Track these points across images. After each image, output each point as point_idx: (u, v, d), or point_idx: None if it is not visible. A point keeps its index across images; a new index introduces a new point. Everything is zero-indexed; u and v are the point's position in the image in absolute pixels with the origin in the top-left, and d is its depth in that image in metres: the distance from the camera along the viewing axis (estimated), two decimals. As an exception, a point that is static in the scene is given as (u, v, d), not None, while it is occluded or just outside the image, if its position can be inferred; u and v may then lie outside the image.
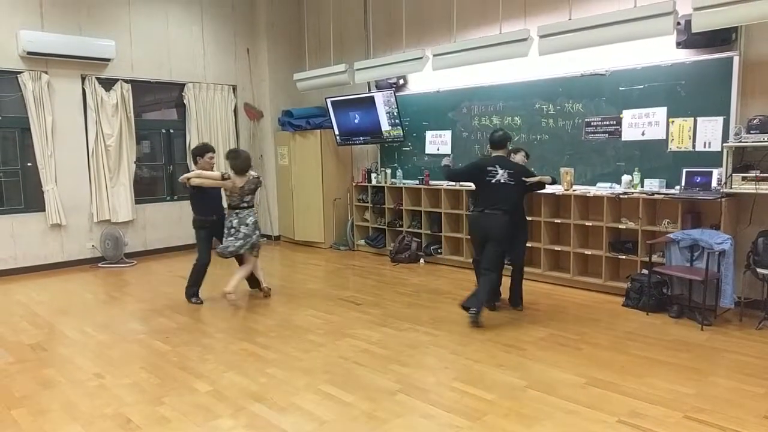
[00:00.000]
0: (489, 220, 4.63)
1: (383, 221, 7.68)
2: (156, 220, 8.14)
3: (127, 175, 7.73)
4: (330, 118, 8.03)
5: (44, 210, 7.10)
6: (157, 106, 8.57)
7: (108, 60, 7.39)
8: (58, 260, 7.24)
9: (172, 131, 8.45)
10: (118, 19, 7.61)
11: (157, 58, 7.98)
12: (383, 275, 6.57)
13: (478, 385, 3.45)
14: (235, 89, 8.85)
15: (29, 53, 6.77)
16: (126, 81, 7.68)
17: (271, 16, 8.88)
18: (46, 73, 7.01)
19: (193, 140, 8.31)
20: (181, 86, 8.29)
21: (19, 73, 6.85)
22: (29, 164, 7.11)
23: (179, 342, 4.41)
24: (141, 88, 7.96)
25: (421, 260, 7.06)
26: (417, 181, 7.27)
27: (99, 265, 7.41)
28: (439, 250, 7.03)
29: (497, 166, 4.67)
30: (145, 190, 8.18)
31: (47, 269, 7.12)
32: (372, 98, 7.47)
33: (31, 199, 7.12)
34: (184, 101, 8.31)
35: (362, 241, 8.02)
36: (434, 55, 6.23)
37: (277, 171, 9.05)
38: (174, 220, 8.29)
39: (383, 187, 7.54)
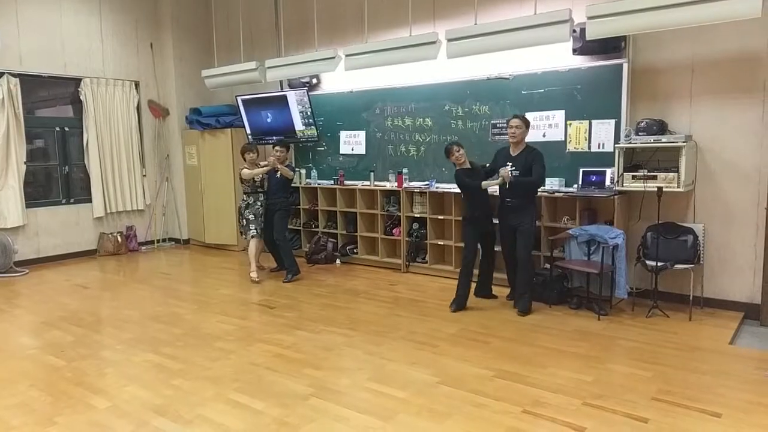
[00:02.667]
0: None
1: (298, 222, 7.58)
2: (50, 225, 7.53)
3: (16, 177, 7.09)
4: (241, 117, 7.80)
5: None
6: (51, 102, 7.93)
7: (-10, 51, 6.74)
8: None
9: (67, 129, 7.84)
10: (3, 7, 6.95)
11: (50, 50, 7.38)
12: (298, 276, 6.49)
13: (392, 384, 3.49)
14: (137, 85, 8.36)
15: None
16: (13, 75, 7.03)
17: (176, 9, 8.47)
18: None
19: (91, 138, 7.78)
20: (78, 81, 7.72)
21: None
22: None
23: (75, 356, 4.11)
24: (31, 82, 7.33)
25: (338, 261, 7.03)
26: (332, 181, 7.24)
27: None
28: (355, 250, 7.05)
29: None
30: (37, 193, 7.55)
31: None
32: (285, 97, 7.34)
33: None
34: (81, 97, 7.74)
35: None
36: (346, 56, 6.22)
37: (185, 171, 8.66)
38: (71, 225, 7.71)
39: (298, 187, 7.44)
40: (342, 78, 7.01)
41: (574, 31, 4.97)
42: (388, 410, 3.15)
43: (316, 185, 7.31)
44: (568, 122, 5.44)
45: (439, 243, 6.30)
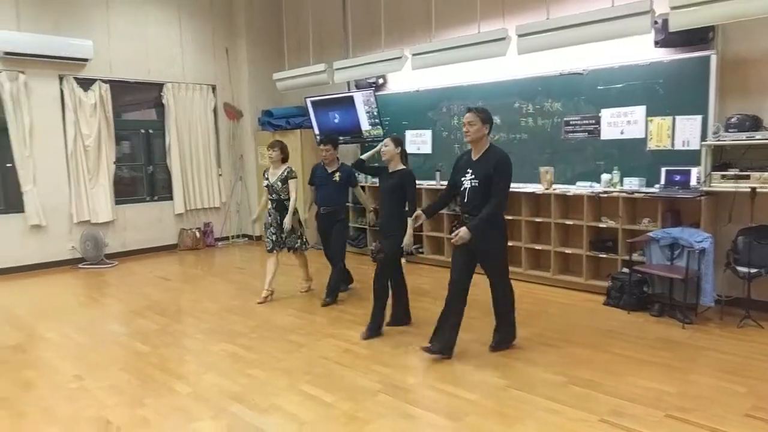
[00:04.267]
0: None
1: (364, 221, 7.67)
2: (136, 220, 8.03)
3: (106, 176, 7.62)
4: (310, 118, 7.99)
5: (24, 211, 6.98)
6: (137, 106, 8.46)
7: (86, 60, 7.27)
8: (39, 261, 7.12)
9: (151, 131, 8.35)
10: (95, 18, 7.49)
11: (136, 57, 7.88)
12: (365, 275, 6.54)
13: (460, 384, 3.46)
14: (214, 89, 8.76)
15: (6, 53, 6.64)
16: (104, 81, 7.57)
17: (250, 15, 8.81)
18: (22, 73, 6.88)
19: (172, 140, 8.22)
20: (160, 86, 8.19)
21: None
22: (8, 165, 6.97)
23: (160, 343, 4.36)
24: (120, 88, 7.85)
25: (403, 260, 7.03)
26: (400, 181, 7.26)
27: (79, 266, 7.29)
28: (420, 250, 7.04)
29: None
30: (125, 191, 8.07)
31: (27, 271, 6.99)
32: (351, 98, 7.46)
33: (11, 200, 6.99)
34: (163, 101, 8.21)
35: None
36: (413, 55, 6.23)
37: (257, 171, 8.98)
38: (154, 221, 8.19)
39: (364, 186, 7.53)
40: (408, 77, 7.02)
41: (656, 22, 4.74)
42: (457, 411, 3.12)
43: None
44: (649, 119, 5.18)
45: (508, 244, 6.14)
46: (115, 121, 7.75)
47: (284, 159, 5.39)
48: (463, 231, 3.64)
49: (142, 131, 8.31)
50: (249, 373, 3.72)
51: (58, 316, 5.24)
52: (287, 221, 5.23)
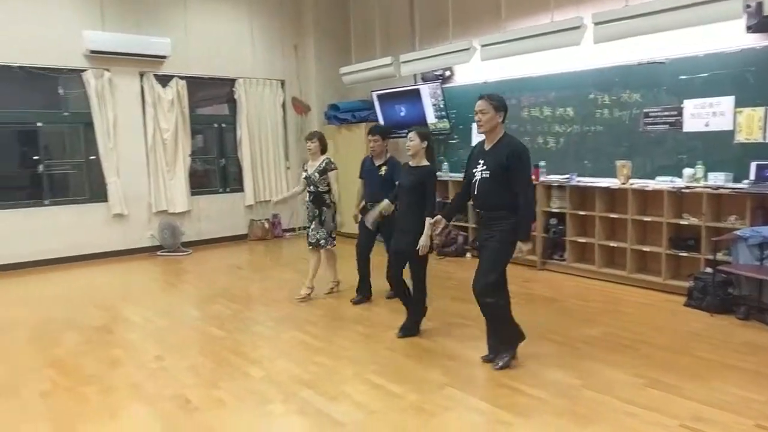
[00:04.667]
0: None
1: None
2: (209, 211, 8.38)
3: (182, 168, 7.99)
4: (376, 112, 8.03)
5: (107, 201, 7.44)
6: (210, 101, 8.82)
7: (164, 57, 7.64)
8: (121, 248, 7.58)
9: (224, 125, 8.67)
10: (173, 17, 7.85)
11: (210, 54, 8.19)
12: (429, 268, 6.52)
13: (529, 381, 3.38)
14: (283, 84, 8.98)
15: (92, 52, 7.08)
16: (181, 77, 7.92)
17: (317, 12, 8.96)
18: (107, 70, 7.32)
19: (243, 134, 8.50)
20: (232, 81, 8.48)
21: (83, 71, 7.18)
22: (92, 157, 7.45)
23: (233, 329, 4.53)
24: (195, 84, 8.19)
25: (468, 254, 6.98)
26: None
27: (158, 253, 7.71)
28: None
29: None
30: (199, 183, 8.44)
31: (110, 256, 7.45)
32: (418, 91, 7.43)
33: (95, 191, 7.47)
34: (235, 96, 8.50)
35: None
36: (482, 46, 6.13)
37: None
38: (226, 211, 8.52)
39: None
40: (476, 69, 6.91)
41: (748, 6, 4.42)
42: (526, 408, 3.06)
43: (448, 178, 7.30)
44: (738, 110, 4.84)
45: (580, 240, 5.97)
46: (191, 115, 8.11)
47: (323, 150, 5.19)
48: (523, 246, 3.37)
49: (215, 125, 8.66)
50: (317, 360, 3.80)
51: (140, 299, 5.55)
52: (327, 216, 5.11)
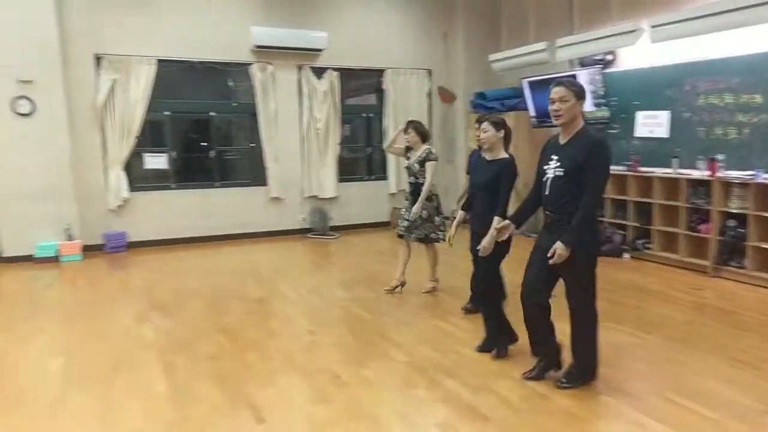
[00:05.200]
0: None
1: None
2: (356, 197, 8.73)
3: (332, 156, 8.40)
4: (525, 100, 7.72)
5: (266, 185, 8.10)
6: (359, 91, 9.15)
7: (320, 50, 8.07)
8: (276, 229, 8.21)
9: (371, 115, 8.95)
10: (330, 11, 8.24)
11: (361, 46, 8.47)
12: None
13: (698, 399, 3.02)
14: (430, 73, 9.01)
15: (258, 47, 7.70)
16: (335, 69, 8.31)
17: (468, -2, 8.84)
18: (270, 64, 7.92)
19: (389, 124, 8.69)
20: (381, 72, 8.70)
21: (250, 65, 7.84)
22: (252, 144, 8.13)
23: (378, 312, 4.67)
24: (346, 75, 8.54)
25: (626, 255, 6.43)
26: (624, 167, 6.61)
27: (308, 235, 8.23)
28: (648, 245, 6.32)
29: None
30: (347, 170, 8.83)
31: (267, 236, 8.11)
32: (574, 77, 6.97)
33: (256, 175, 8.17)
34: (383, 86, 8.72)
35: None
36: (653, 27, 5.57)
37: (467, 153, 9.02)
38: (371, 198, 8.81)
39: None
40: (642, 52, 6.31)
41: None
42: (695, 428, 2.74)
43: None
44: None
45: (764, 246, 5.19)
46: (342, 106, 8.48)
47: (423, 139, 4.95)
48: (558, 247, 2.92)
49: (363, 115, 8.97)
50: (461, 351, 3.76)
51: (293, 276, 5.97)
52: (416, 208, 4.83)
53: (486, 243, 3.43)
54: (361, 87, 9.09)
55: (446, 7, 8.98)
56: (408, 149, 5.03)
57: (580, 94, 2.99)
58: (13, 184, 6.48)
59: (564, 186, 2.98)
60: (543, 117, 7.54)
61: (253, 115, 8.00)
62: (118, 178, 7.22)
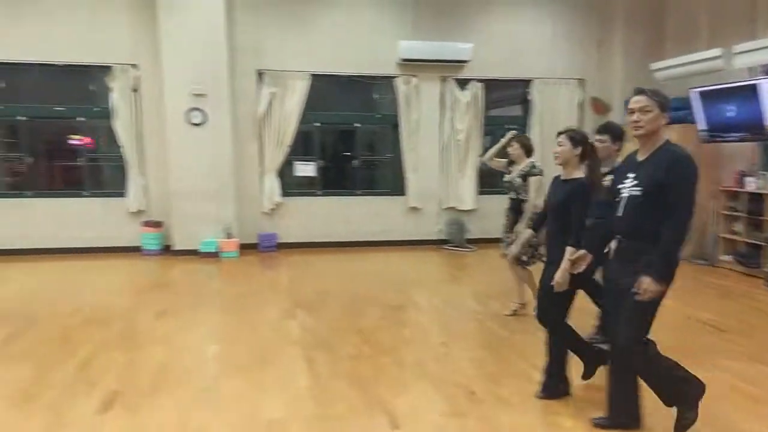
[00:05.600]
0: None
1: (760, 235, 6.26)
2: (496, 210, 8.43)
3: (472, 168, 8.29)
4: (693, 112, 6.93)
5: (405, 194, 8.23)
6: (503, 103, 8.93)
7: (465, 62, 8.04)
8: (413, 238, 8.29)
9: (515, 127, 8.63)
10: (476, 23, 8.18)
11: (508, 57, 8.27)
12: (756, 300, 5.36)
13: None
14: (581, 83, 8.53)
15: (404, 60, 7.88)
16: (479, 80, 8.22)
17: (628, 2, 8.20)
18: (415, 76, 8.05)
19: (534, 136, 8.35)
20: (527, 82, 8.42)
21: (395, 77, 8.05)
22: (389, 155, 8.32)
23: (515, 329, 4.46)
24: (491, 86, 8.39)
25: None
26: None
27: (444, 247, 8.19)
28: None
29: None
30: (487, 183, 8.65)
31: (404, 245, 8.21)
32: (754, 86, 6.12)
33: (396, 185, 8.34)
34: (529, 97, 8.42)
35: (728, 257, 6.72)
36: None
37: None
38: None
39: (763, 194, 6.13)
40: None
41: None
42: None
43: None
44: None
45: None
46: (484, 117, 8.35)
47: (527, 153, 4.65)
48: (646, 282, 2.51)
49: (507, 127, 8.70)
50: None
51: (428, 286, 5.96)
52: (520, 227, 4.48)
53: (558, 277, 3.01)
54: (506, 98, 8.88)
55: (602, 14, 8.45)
56: (511, 163, 4.78)
57: (664, 106, 2.64)
58: (185, 186, 7.30)
59: (640, 207, 2.62)
60: (716, 131, 6.72)
61: (395, 126, 8.19)
62: (272, 184, 7.81)
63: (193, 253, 7.31)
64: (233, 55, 7.47)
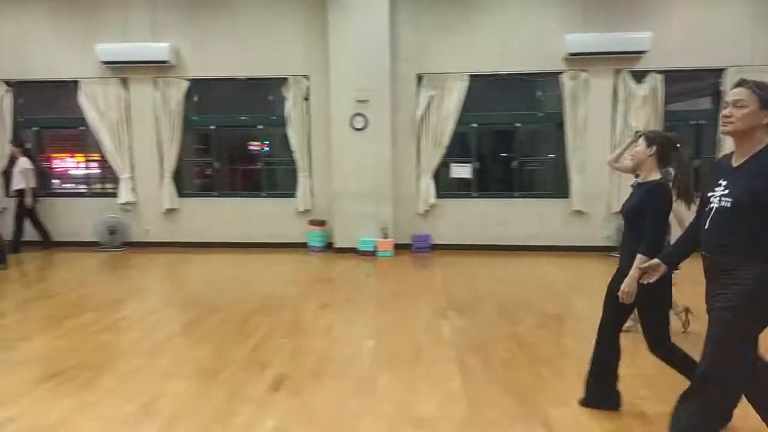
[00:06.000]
0: None
1: None
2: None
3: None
4: None
5: (568, 197, 7.72)
6: (685, 96, 7.94)
7: (642, 52, 7.31)
8: (575, 244, 7.75)
9: (702, 122, 7.67)
10: (653, 9, 7.40)
11: (694, 44, 7.36)
12: None
13: None
14: (790, 69, 7.23)
15: (572, 54, 7.40)
16: (658, 72, 7.41)
17: None
18: (584, 71, 7.52)
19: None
20: (719, 72, 7.38)
21: (560, 73, 7.59)
22: (551, 155, 7.89)
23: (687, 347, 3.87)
24: (672, 77, 7.52)
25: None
26: None
27: (612, 254, 7.50)
28: None
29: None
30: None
31: (565, 251, 7.71)
32: None
33: (558, 187, 7.87)
34: (721, 88, 7.37)
35: None
36: None
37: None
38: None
39: None
40: None
41: None
42: None
43: None
44: None
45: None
46: (664, 112, 7.50)
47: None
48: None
49: (691, 122, 7.74)
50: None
51: (591, 296, 5.42)
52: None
53: (625, 286, 2.76)
54: (690, 90, 7.89)
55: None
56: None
57: (765, 101, 2.19)
58: (346, 187, 7.68)
59: (730, 221, 2.22)
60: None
61: (559, 125, 7.73)
62: (428, 185, 7.86)
63: (352, 251, 7.64)
64: (395, 62, 7.68)
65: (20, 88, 8.29)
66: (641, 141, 2.98)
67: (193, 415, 3.02)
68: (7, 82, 8.18)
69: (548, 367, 3.63)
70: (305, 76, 7.92)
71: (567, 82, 7.56)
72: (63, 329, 4.47)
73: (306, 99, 7.97)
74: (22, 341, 4.20)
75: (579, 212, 7.69)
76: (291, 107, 7.93)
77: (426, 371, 3.57)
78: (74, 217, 8.33)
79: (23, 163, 7.74)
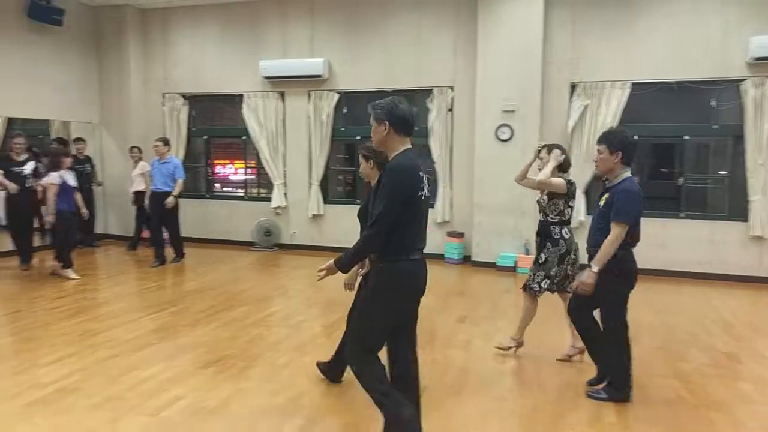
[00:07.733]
0: None
1: None
2: None
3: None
4: None
5: (747, 220, 6.72)
6: None
7: None
8: (755, 274, 6.70)
9: None
10: None
11: None
12: None
13: None
14: None
15: (757, 59, 6.46)
16: None
17: None
18: (772, 77, 6.53)
19: None
20: None
21: (742, 80, 6.67)
22: (723, 172, 6.96)
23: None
24: None
25: None
26: None
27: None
28: None
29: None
30: None
31: (741, 281, 6.68)
32: None
33: (734, 208, 6.89)
34: None
35: None
36: None
37: None
38: None
39: None
40: None
41: None
42: None
43: None
44: None
45: None
46: None
47: (561, 168, 3.93)
48: None
49: None
50: None
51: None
52: (552, 256, 4.08)
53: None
54: None
55: None
56: None
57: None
58: (488, 200, 7.45)
59: None
60: None
61: (738, 138, 6.78)
62: (577, 201, 7.33)
63: (491, 265, 7.38)
64: (546, 70, 7.33)
65: (194, 101, 9.31)
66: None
67: (333, 416, 3.06)
68: (184, 96, 9.24)
69: (722, 413, 3.14)
70: (450, 87, 7.88)
71: (749, 90, 6.61)
72: (221, 320, 4.85)
73: (450, 110, 7.92)
74: (188, 328, 4.64)
75: (760, 237, 6.64)
76: (434, 118, 7.92)
77: (572, 400, 3.26)
78: (231, 219, 9.12)
79: (144, 166, 8.02)
